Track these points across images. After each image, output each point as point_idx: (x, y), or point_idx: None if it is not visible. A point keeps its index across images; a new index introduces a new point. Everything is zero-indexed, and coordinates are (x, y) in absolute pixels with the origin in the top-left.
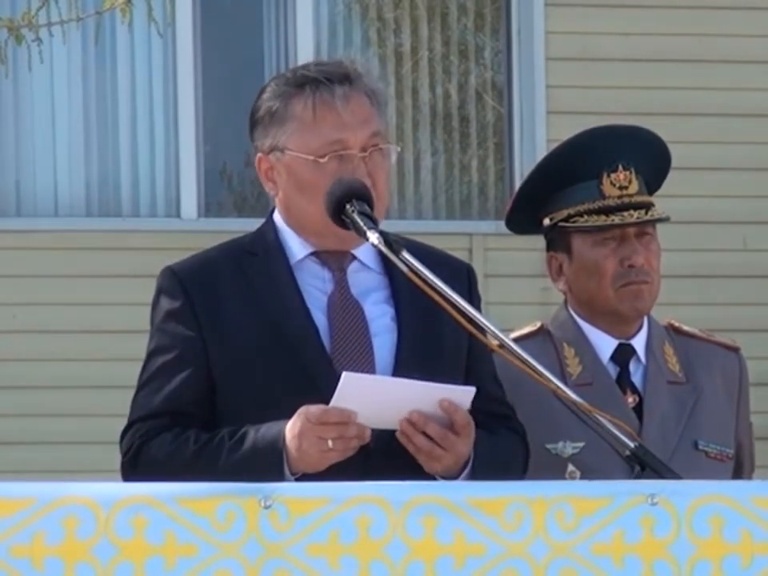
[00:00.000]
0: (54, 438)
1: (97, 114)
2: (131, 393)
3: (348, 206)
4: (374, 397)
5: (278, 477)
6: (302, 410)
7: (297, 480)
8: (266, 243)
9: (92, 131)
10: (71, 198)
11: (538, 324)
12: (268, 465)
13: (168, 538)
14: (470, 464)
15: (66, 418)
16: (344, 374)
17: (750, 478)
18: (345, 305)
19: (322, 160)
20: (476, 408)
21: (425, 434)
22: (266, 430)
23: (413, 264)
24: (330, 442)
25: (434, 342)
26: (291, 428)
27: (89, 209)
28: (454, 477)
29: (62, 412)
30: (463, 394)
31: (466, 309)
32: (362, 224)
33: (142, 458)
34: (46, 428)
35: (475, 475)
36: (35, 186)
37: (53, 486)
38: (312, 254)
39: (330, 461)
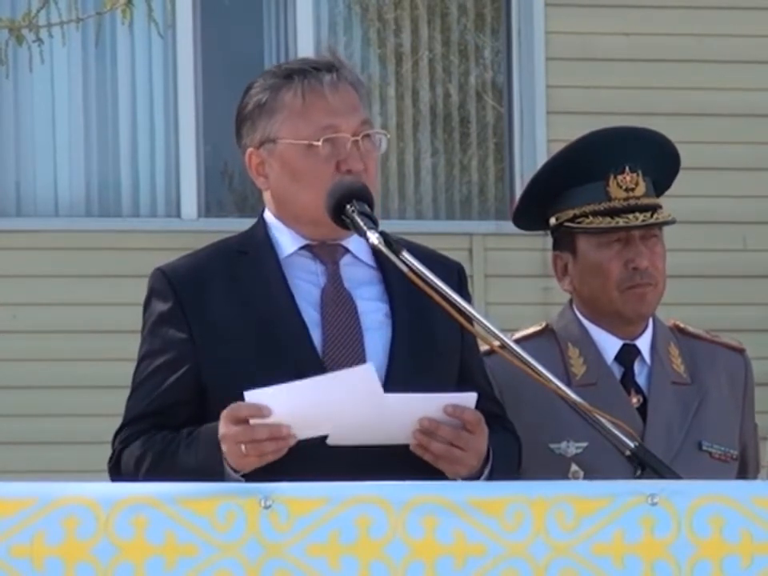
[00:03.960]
0: (54, 438)
1: (97, 114)
2: None
3: (348, 207)
4: (372, 412)
5: (222, 474)
6: (225, 410)
7: (243, 476)
8: (256, 241)
9: (92, 131)
10: (71, 198)
11: (543, 324)
12: (212, 463)
13: (168, 538)
14: (490, 462)
15: (65, 418)
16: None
17: (755, 478)
18: (338, 298)
19: (316, 143)
20: None
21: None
22: (213, 427)
23: (413, 264)
24: (243, 448)
25: (427, 340)
26: (220, 429)
27: (89, 209)
28: (476, 477)
29: (61, 412)
30: (465, 401)
31: (466, 309)
32: (362, 224)
33: (120, 464)
34: (46, 428)
35: (492, 473)
36: (35, 186)
37: (53, 485)
38: (303, 247)
39: (252, 465)
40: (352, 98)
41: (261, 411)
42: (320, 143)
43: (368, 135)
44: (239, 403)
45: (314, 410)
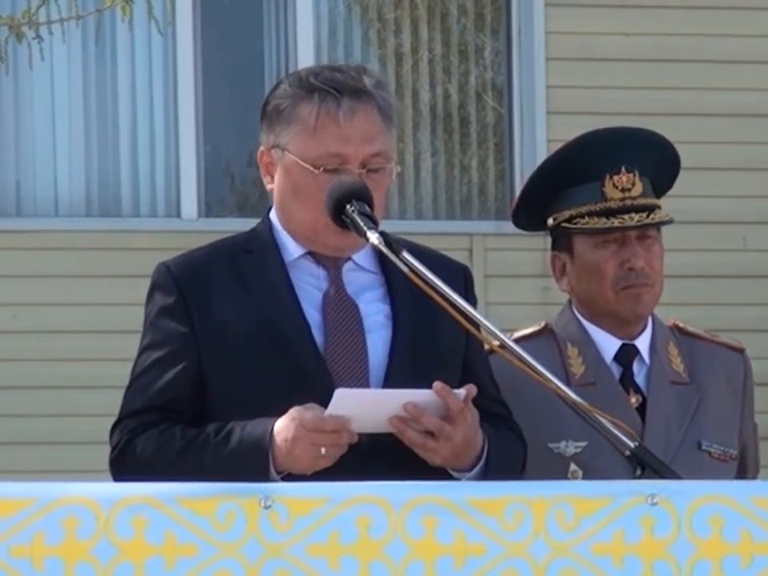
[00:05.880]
0: (54, 438)
1: (97, 113)
2: None
3: (348, 207)
4: (367, 407)
5: (264, 475)
6: (296, 414)
7: (283, 478)
8: (262, 241)
9: (92, 131)
10: (71, 198)
11: (542, 323)
12: (253, 464)
13: (168, 538)
14: (483, 458)
15: (65, 419)
16: (336, 391)
17: (754, 478)
18: (340, 302)
19: (316, 171)
20: (475, 407)
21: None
22: (252, 428)
23: (413, 264)
24: (323, 450)
25: (429, 340)
26: (283, 430)
27: (89, 209)
28: (467, 470)
29: (61, 412)
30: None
31: (466, 309)
32: (362, 224)
33: (128, 455)
34: (45, 428)
35: (488, 471)
36: (35, 186)
37: (53, 486)
38: (307, 253)
39: (321, 466)
40: (370, 125)
41: (344, 425)
42: (319, 171)
43: (378, 168)
44: (323, 417)
45: (365, 414)
